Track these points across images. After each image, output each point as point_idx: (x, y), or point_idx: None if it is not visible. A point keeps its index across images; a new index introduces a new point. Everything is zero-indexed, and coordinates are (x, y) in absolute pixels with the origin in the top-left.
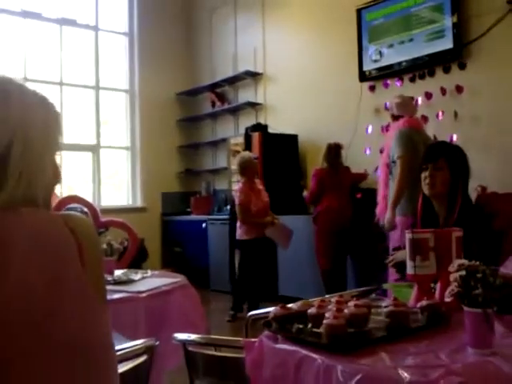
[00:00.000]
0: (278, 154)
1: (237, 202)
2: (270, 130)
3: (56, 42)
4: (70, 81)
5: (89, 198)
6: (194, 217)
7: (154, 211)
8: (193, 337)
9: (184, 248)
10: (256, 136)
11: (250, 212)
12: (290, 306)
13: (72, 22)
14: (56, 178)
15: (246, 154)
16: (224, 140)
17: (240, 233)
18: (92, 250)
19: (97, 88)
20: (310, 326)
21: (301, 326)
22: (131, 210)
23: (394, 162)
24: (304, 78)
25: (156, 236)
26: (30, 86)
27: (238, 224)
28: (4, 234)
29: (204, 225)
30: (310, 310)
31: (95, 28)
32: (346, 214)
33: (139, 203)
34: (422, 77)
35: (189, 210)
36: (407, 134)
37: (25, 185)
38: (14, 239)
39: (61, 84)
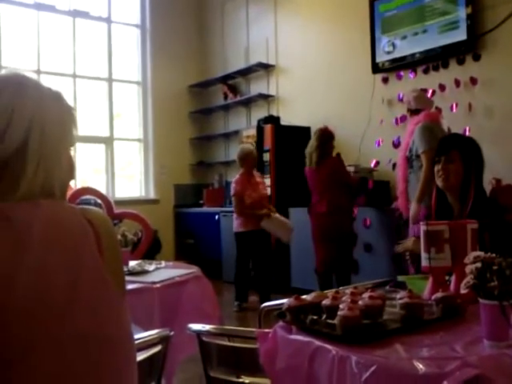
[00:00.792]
0: (290, 146)
1: (232, 192)
2: (283, 122)
3: (69, 35)
4: (83, 73)
5: (102, 190)
6: (206, 209)
7: (167, 203)
8: (207, 327)
9: (197, 240)
10: (268, 128)
11: (245, 203)
12: (304, 297)
13: (85, 14)
14: (70, 170)
15: (246, 146)
16: (236, 132)
17: (236, 225)
18: (109, 240)
19: (110, 80)
20: (324, 317)
21: (315, 317)
22: (144, 202)
23: (417, 156)
24: (316, 69)
25: (169, 228)
26: (44, 78)
27: (235, 216)
28: (22, 225)
29: (217, 217)
30: (324, 302)
31: (108, 20)
32: (330, 221)
33: (152, 195)
34: (435, 68)
35: (201, 202)
36: (429, 128)
37: (43, 176)
38: (33, 230)
39: (74, 76)
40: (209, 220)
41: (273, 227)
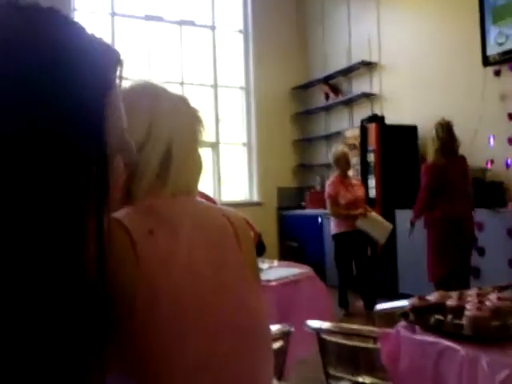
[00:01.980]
0: (395, 145)
1: (326, 195)
2: (387, 122)
3: (176, 43)
4: (190, 80)
5: (209, 193)
6: (309, 211)
7: (270, 206)
8: (327, 325)
9: (300, 242)
10: (372, 128)
11: (339, 205)
12: (427, 297)
13: (190, 23)
14: (201, 169)
15: (339, 148)
16: (338, 133)
17: (332, 227)
18: (246, 235)
19: (215, 86)
20: (449, 317)
21: (441, 318)
22: (248, 205)
23: None
24: (422, 65)
25: (272, 230)
26: None
27: (331, 218)
28: (174, 221)
29: (319, 219)
30: (449, 302)
31: (212, 27)
32: (467, 224)
33: (256, 198)
34: None
35: (304, 204)
36: None
37: (184, 176)
38: (183, 226)
39: (182, 84)
40: (312, 223)
41: (368, 227)
